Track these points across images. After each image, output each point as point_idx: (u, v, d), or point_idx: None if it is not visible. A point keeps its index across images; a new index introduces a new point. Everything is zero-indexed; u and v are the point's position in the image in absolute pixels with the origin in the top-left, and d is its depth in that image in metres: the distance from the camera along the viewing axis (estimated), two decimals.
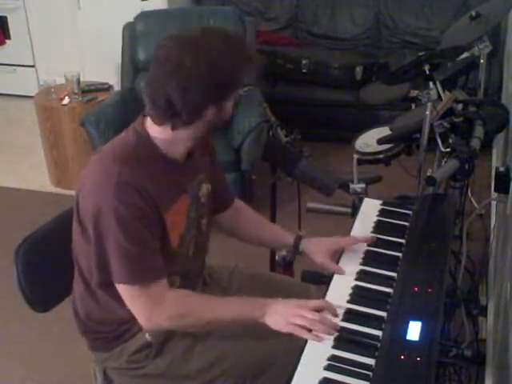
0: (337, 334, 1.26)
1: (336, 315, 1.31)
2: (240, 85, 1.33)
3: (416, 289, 1.31)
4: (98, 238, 1.30)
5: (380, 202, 1.77)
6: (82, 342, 1.56)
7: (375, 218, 1.69)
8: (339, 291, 1.41)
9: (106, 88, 3.80)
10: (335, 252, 1.56)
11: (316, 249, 1.59)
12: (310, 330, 1.27)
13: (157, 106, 1.30)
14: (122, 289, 1.35)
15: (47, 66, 5.01)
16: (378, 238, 1.56)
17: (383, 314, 1.30)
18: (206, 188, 1.52)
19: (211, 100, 1.29)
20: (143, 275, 1.32)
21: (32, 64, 5.08)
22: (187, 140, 1.37)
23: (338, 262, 1.52)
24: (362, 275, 1.45)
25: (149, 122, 1.37)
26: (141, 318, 1.36)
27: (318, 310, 1.31)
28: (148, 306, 1.34)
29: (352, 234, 1.63)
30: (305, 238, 1.63)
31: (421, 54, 1.96)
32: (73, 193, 1.42)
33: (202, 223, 1.53)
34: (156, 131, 1.36)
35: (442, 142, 1.91)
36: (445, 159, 1.93)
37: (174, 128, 1.33)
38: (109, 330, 1.48)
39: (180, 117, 1.29)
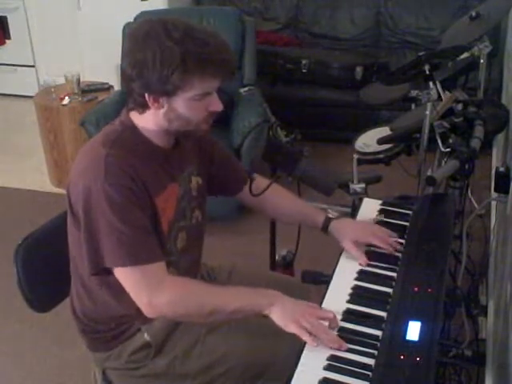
0: (337, 333, 1.26)
1: (334, 328, 1.28)
2: (182, 86, 1.28)
3: (416, 289, 1.31)
4: (88, 222, 1.30)
5: (380, 202, 1.77)
6: (81, 342, 1.56)
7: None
8: (339, 291, 1.41)
9: (106, 88, 3.80)
10: (362, 243, 1.54)
11: (344, 233, 1.56)
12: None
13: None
14: (118, 273, 1.32)
15: (47, 66, 5.02)
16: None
17: (383, 313, 1.30)
18: (196, 181, 1.53)
19: (144, 89, 1.29)
20: (138, 256, 1.30)
21: (32, 64, 5.08)
22: (159, 131, 1.38)
23: (335, 266, 1.52)
24: (362, 275, 1.45)
25: (132, 115, 1.39)
26: (142, 304, 1.33)
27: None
28: (148, 289, 1.31)
29: None
30: (334, 219, 1.61)
31: (421, 53, 1.96)
32: None
33: (193, 216, 1.52)
34: (138, 120, 1.38)
35: (442, 142, 1.90)
36: (445, 159, 1.93)
37: (137, 111, 1.36)
38: (107, 329, 1.48)
39: (134, 99, 1.33)
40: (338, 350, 1.21)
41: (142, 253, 1.31)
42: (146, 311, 1.34)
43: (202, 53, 1.27)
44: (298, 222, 1.79)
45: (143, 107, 1.34)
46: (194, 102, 1.31)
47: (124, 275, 1.32)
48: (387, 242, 1.52)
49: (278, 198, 1.70)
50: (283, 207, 1.70)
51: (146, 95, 1.30)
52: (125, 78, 1.32)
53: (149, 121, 1.37)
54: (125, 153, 1.32)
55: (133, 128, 1.38)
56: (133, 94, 1.33)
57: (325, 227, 1.61)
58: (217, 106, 1.35)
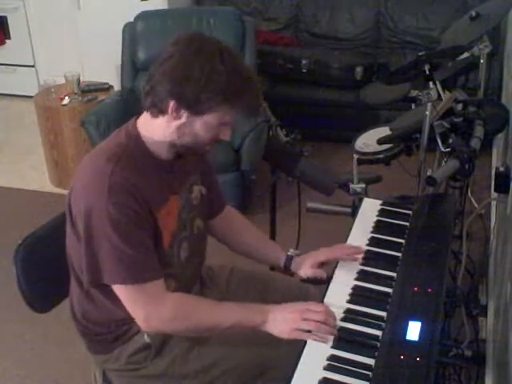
0: (337, 333, 1.26)
1: (335, 319, 1.31)
2: (210, 110, 1.28)
3: (416, 289, 1.31)
4: (89, 238, 1.30)
5: (380, 201, 1.77)
6: (81, 342, 1.56)
7: (375, 218, 1.69)
8: (339, 291, 1.41)
9: (106, 88, 3.80)
10: (323, 263, 1.57)
11: (302, 264, 1.60)
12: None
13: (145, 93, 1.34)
14: (118, 290, 1.34)
15: (47, 66, 5.02)
16: (372, 252, 1.55)
17: (383, 313, 1.30)
18: (198, 190, 1.52)
19: (173, 96, 1.27)
20: (138, 275, 1.31)
21: (32, 64, 5.08)
22: (164, 142, 1.36)
23: (335, 266, 1.52)
24: (362, 275, 1.46)
25: (140, 121, 1.38)
26: (139, 320, 1.35)
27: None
28: (145, 308, 1.33)
29: (352, 234, 1.64)
30: (296, 257, 1.63)
31: (421, 53, 1.96)
32: None
33: (194, 225, 1.52)
34: (146, 129, 1.36)
35: (442, 142, 1.91)
36: (445, 159, 1.93)
37: (152, 113, 1.34)
38: (107, 332, 1.48)
39: (154, 102, 1.31)
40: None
41: (141, 272, 1.32)
42: (143, 327, 1.37)
43: (243, 89, 1.29)
44: (259, 260, 1.78)
45: (160, 112, 1.32)
46: (211, 127, 1.32)
47: (122, 292, 1.34)
48: (346, 253, 1.53)
49: (241, 234, 1.70)
50: (245, 244, 1.69)
51: (172, 103, 1.28)
52: (155, 79, 1.29)
53: (158, 129, 1.34)
54: (129, 170, 1.31)
55: (138, 140, 1.36)
56: (155, 97, 1.30)
57: (287, 266, 1.63)
58: (227, 136, 1.37)
